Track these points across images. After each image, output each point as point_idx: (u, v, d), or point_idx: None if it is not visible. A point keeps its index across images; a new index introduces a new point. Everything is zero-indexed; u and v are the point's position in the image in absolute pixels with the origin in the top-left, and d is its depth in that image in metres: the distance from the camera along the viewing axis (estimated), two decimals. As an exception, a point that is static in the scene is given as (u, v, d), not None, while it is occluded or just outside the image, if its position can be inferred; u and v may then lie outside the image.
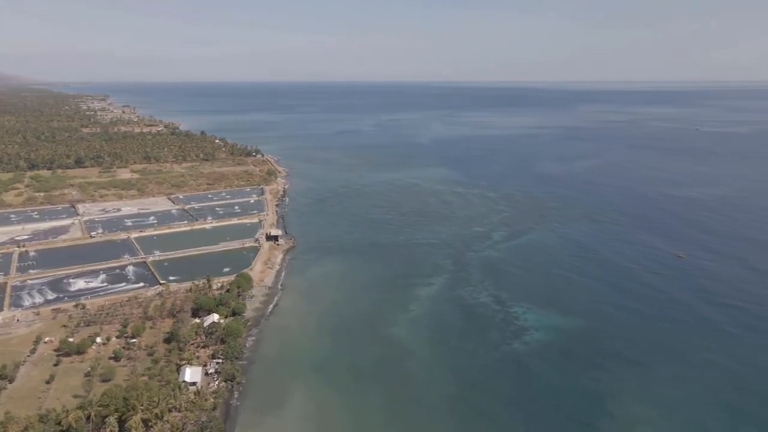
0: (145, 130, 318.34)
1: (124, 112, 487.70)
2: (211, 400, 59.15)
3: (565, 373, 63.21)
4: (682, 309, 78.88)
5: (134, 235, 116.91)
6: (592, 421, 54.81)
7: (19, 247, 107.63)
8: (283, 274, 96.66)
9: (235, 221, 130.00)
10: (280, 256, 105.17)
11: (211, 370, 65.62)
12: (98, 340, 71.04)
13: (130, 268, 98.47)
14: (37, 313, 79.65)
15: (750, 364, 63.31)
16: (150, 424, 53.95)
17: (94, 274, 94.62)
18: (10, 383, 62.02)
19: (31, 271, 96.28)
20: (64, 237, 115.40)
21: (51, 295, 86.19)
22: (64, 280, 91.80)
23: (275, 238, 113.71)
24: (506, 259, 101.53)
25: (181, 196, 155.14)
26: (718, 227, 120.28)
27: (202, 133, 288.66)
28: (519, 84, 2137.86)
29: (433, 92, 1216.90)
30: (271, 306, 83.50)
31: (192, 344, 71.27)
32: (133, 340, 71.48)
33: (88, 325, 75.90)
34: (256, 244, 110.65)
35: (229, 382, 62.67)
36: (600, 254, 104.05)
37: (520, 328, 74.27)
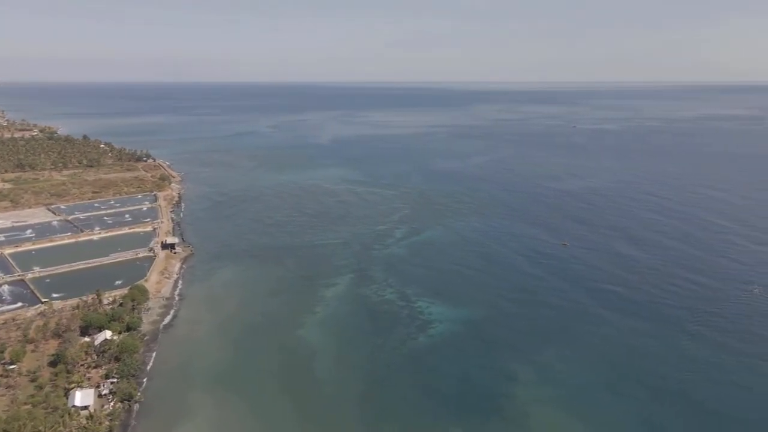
0: (17, 135, 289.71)
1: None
2: (107, 423, 55.20)
3: (469, 362, 66.17)
4: (566, 295, 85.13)
5: (8, 251, 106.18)
6: (495, 403, 57.89)
7: None
8: (181, 283, 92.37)
9: (126, 230, 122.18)
10: (178, 265, 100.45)
11: (105, 391, 61.31)
12: (-31, 370, 64.07)
13: (5, 288, 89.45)
14: None
15: (622, 344, 69.56)
16: (37, 455, 49.58)
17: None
18: None
19: None
20: None
21: None
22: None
23: (172, 246, 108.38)
24: (408, 256, 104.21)
25: (63, 207, 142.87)
26: (592, 216, 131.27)
27: (85, 137, 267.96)
28: (418, 84, 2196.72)
29: (336, 93, 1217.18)
30: (169, 318, 79.47)
31: (82, 365, 66.14)
32: (12, 366, 64.94)
33: (-46, 355, 68.17)
34: (151, 254, 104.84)
35: (126, 401, 58.90)
36: (495, 247, 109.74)
37: (424, 322, 76.61)
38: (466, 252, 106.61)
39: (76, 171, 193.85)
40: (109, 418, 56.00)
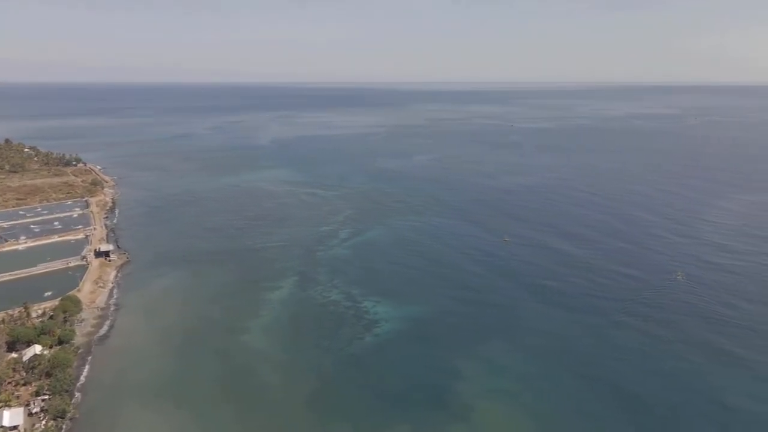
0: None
1: None
2: (39, 442, 52.57)
3: (414, 360, 67.04)
4: (506, 290, 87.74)
5: None
6: (441, 399, 58.94)
7: None
8: (117, 292, 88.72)
9: (56, 239, 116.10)
10: (113, 273, 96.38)
11: (36, 409, 58.15)
12: None
13: None
14: None
15: (559, 336, 72.46)
16: (-40, 482, 46.52)
17: None
18: None
19: None
20: None
21: None
22: None
23: (106, 253, 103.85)
24: (352, 257, 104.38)
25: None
26: (529, 213, 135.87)
27: (7, 141, 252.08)
28: (362, 84, 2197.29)
29: (279, 93, 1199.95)
30: (104, 329, 76.14)
31: (9, 383, 62.43)
32: (-70, 388, 60.74)
33: None
34: (84, 263, 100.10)
35: (60, 419, 56.10)
36: (438, 245, 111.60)
37: (370, 322, 77.00)
38: (410, 251, 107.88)
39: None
40: (41, 437, 53.23)
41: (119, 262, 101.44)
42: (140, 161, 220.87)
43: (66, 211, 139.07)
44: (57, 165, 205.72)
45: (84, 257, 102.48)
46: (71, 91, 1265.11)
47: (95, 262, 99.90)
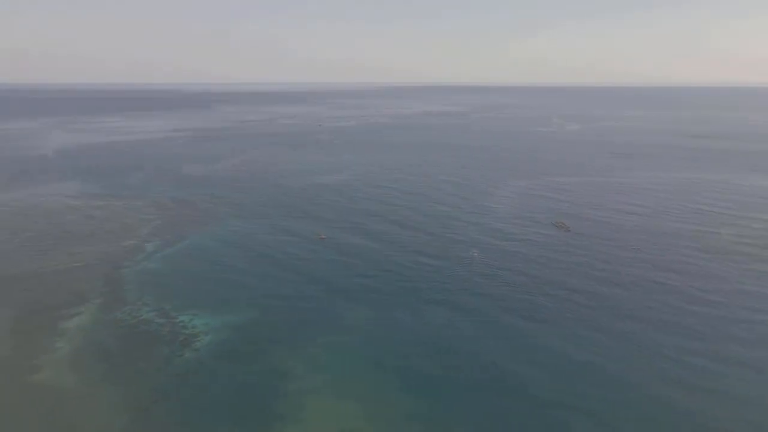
0: None
1: None
2: None
3: (239, 369, 65.49)
4: (324, 286, 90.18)
5: None
6: (270, 403, 58.53)
7: None
8: None
9: None
10: None
11: None
12: None
13: None
14: None
15: (377, 325, 76.99)
16: None
17: None
18: None
19: None
20: None
21: None
22: None
23: None
24: (164, 269, 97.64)
25: None
26: (342, 209, 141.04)
27: None
28: (159, 86, 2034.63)
29: (60, 96, 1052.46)
30: None
31: None
32: None
33: None
34: None
35: None
36: (255, 247, 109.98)
37: (188, 336, 73.04)
38: (227, 256, 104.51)
39: None
40: None
41: None
42: None
43: None
44: None
45: None
46: None
47: None
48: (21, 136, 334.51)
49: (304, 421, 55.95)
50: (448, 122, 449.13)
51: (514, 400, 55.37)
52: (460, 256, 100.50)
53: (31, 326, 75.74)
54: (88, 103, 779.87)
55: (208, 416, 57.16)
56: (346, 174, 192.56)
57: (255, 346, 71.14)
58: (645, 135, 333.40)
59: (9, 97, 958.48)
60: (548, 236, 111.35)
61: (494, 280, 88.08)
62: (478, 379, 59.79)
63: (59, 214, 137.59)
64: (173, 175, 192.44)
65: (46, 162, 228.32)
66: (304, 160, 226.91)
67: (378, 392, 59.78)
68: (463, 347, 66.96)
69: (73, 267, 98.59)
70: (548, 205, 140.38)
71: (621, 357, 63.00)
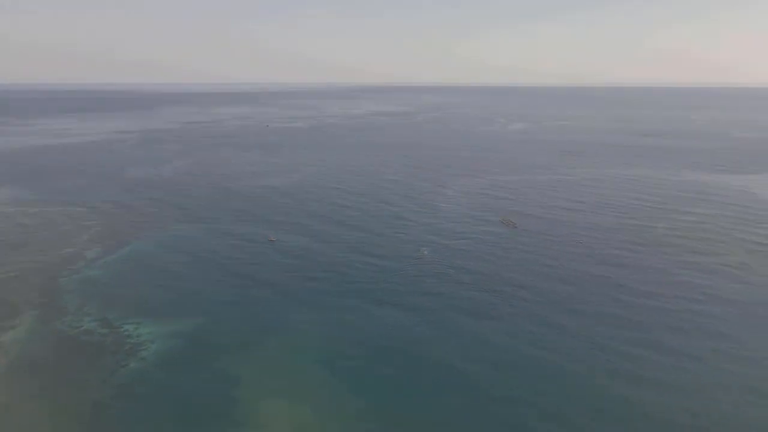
0: None
1: None
2: None
3: (188, 376, 64.09)
4: (274, 288, 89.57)
5: None
6: (222, 410, 57.56)
7: None
8: None
9: None
10: None
11: None
12: None
13: None
14: None
15: (327, 324, 77.04)
16: None
17: None
18: None
19: None
20: None
21: None
22: None
23: None
24: (106, 278, 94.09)
25: None
26: (292, 210, 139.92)
27: None
28: (103, 87, 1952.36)
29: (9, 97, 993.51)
30: None
31: None
32: None
33: None
34: None
35: None
36: (202, 251, 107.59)
37: (134, 346, 70.82)
38: (172, 262, 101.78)
39: None
40: None
41: None
42: None
43: None
44: None
45: None
46: None
47: None
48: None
49: (257, 426, 55.21)
50: (396, 122, 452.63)
51: (464, 397, 56.55)
52: (409, 255, 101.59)
53: (-39, 342, 71.49)
54: (32, 104, 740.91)
55: (156, 427, 55.59)
56: (295, 176, 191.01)
57: (204, 353, 69.63)
58: (587, 134, 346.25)
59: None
60: (496, 234, 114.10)
61: (443, 278, 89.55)
62: (428, 377, 60.74)
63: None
64: (115, 180, 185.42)
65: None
66: (252, 162, 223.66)
67: (330, 394, 59.78)
68: (413, 347, 67.82)
69: (6, 278, 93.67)
70: (495, 203, 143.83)
71: (565, 350, 65.37)
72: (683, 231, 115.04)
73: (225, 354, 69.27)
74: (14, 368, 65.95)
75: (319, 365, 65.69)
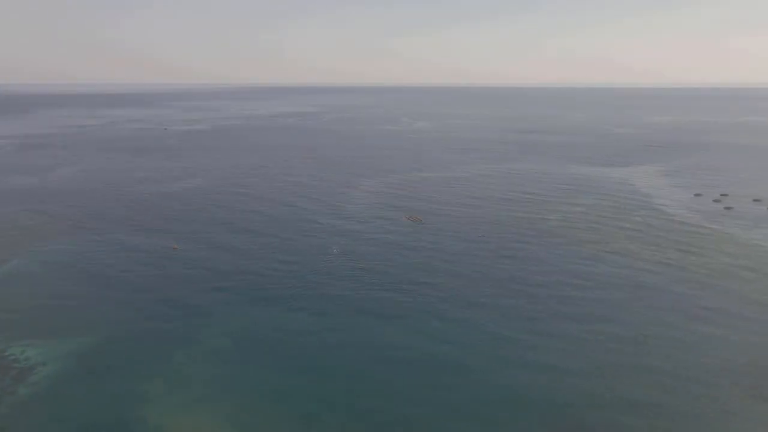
0: None
1: None
2: None
3: (86, 397, 60.37)
4: (178, 299, 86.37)
5: None
6: (131, 430, 55.03)
7: None
8: None
9: None
10: None
11: None
12: None
13: None
14: None
15: (240, 332, 75.78)
16: None
17: None
18: None
19: None
20: None
21: None
22: None
23: None
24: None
25: None
26: (196, 216, 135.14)
27: None
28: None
29: None
30: None
31: None
32: None
33: None
34: None
35: None
36: (97, 267, 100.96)
37: (23, 370, 65.45)
38: (62, 279, 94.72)
39: None
40: None
41: None
42: None
43: None
44: None
45: None
46: None
47: None
48: None
49: (164, 444, 53.30)
50: (302, 123, 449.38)
51: (371, 399, 57.92)
52: (317, 258, 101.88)
53: None
54: None
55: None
56: (196, 180, 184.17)
57: (105, 372, 65.67)
58: (486, 132, 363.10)
59: None
60: (402, 232, 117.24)
61: (351, 280, 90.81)
62: (339, 383, 61.45)
63: None
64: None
65: None
66: (149, 167, 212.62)
67: (240, 406, 58.85)
68: (324, 353, 68.24)
69: None
70: (400, 201, 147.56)
71: (465, 343, 68.80)
72: (571, 222, 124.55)
73: (128, 372, 65.79)
74: None
75: (227, 378, 64.27)
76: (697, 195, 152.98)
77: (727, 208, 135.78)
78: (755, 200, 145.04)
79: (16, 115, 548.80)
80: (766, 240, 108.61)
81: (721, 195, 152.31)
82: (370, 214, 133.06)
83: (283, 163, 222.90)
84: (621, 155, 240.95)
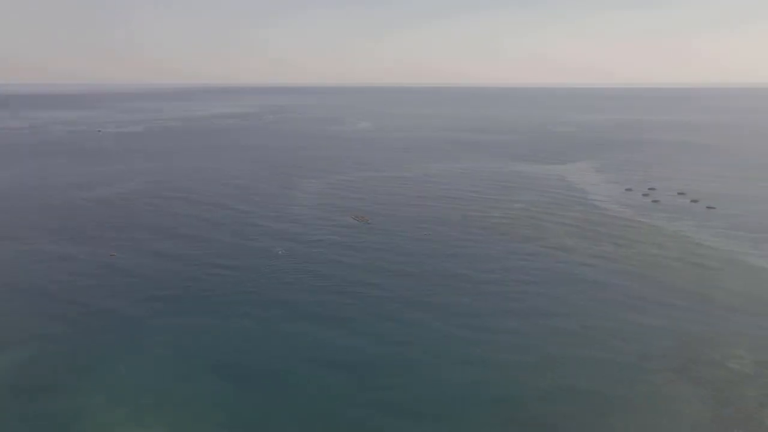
0: None
1: None
2: None
3: (26, 411, 57.05)
4: (121, 306, 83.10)
5: None
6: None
7: None
8: None
9: None
10: None
11: None
12: None
13: None
14: None
15: (184, 339, 73.66)
16: None
17: None
18: None
19: None
20: None
21: None
22: None
23: None
24: None
25: None
26: (134, 222, 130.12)
27: None
28: None
29: None
30: None
31: None
32: None
33: None
34: None
35: None
36: (23, 279, 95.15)
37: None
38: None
39: None
40: None
41: None
42: None
43: None
44: None
45: None
46: None
47: None
48: None
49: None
50: (243, 124, 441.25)
51: (317, 404, 57.65)
52: (261, 263, 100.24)
53: None
54: None
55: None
56: (131, 185, 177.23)
57: (38, 390, 61.96)
58: (433, 131, 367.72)
59: None
60: (348, 234, 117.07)
61: (296, 284, 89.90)
62: (284, 390, 60.72)
63: None
64: None
65: None
66: (81, 172, 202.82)
67: (182, 417, 57.17)
68: (268, 359, 67.24)
69: None
70: (346, 201, 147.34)
71: (412, 343, 69.52)
72: (513, 218, 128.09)
73: (63, 388, 62.32)
74: None
75: (169, 389, 62.24)
76: (627, 190, 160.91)
77: (654, 202, 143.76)
78: (679, 193, 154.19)
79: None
80: (689, 230, 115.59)
81: (649, 189, 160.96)
82: (314, 215, 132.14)
83: (225, 165, 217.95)
84: (562, 153, 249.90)
